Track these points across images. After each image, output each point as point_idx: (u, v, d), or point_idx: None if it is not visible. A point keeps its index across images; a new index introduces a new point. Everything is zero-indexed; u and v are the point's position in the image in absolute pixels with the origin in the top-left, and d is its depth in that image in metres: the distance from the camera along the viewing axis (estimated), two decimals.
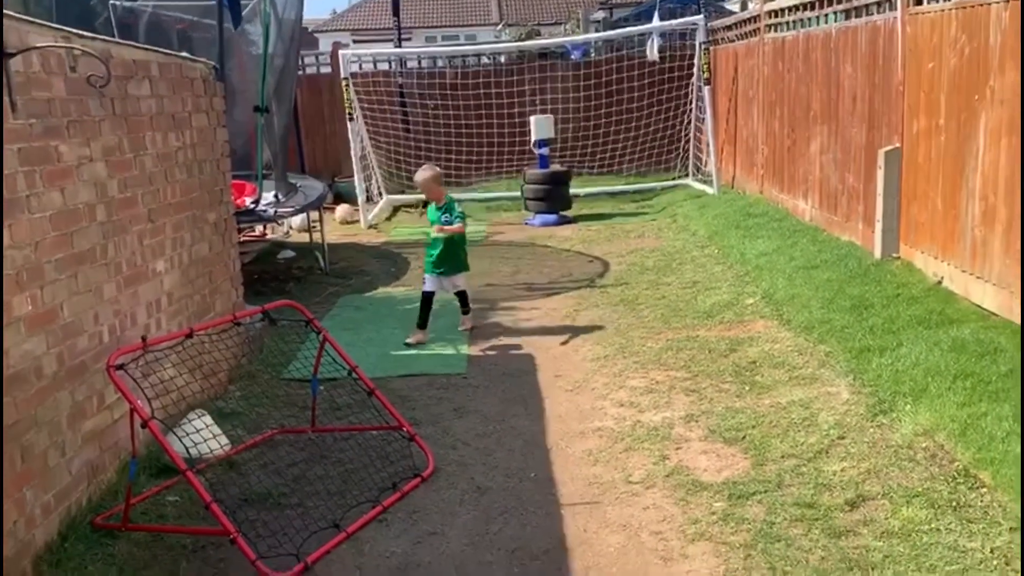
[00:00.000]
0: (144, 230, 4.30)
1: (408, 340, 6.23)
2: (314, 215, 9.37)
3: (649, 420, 4.67)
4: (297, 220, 10.34)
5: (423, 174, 6.35)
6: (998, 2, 5.09)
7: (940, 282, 5.86)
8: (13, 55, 3.21)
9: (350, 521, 3.69)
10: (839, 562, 3.19)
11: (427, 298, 6.31)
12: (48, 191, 3.47)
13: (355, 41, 31.16)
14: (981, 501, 3.47)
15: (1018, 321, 4.95)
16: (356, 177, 11.50)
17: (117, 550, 3.52)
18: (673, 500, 3.79)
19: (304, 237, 9.85)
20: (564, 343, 6.16)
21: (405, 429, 4.39)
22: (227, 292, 5.47)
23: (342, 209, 11.91)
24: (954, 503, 3.48)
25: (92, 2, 9.03)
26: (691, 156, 12.85)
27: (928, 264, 6.08)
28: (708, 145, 11.80)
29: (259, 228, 9.98)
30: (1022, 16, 4.80)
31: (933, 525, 3.35)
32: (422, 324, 6.29)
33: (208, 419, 4.43)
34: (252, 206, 7.51)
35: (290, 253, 9.45)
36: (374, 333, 6.62)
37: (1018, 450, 3.63)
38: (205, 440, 4.15)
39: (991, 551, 3.15)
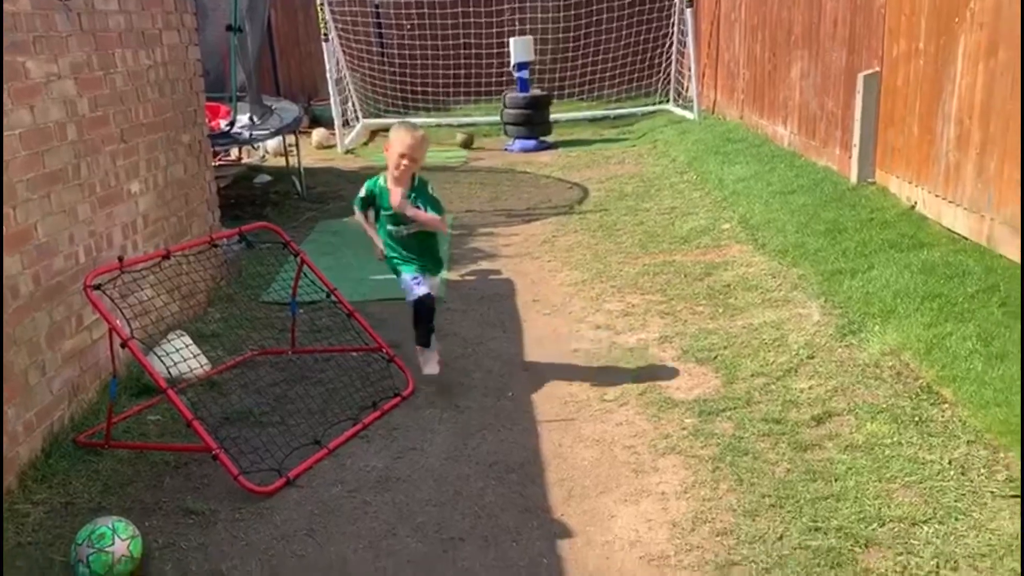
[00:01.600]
0: (117, 150, 4.24)
1: (426, 371, 4.26)
2: (290, 139, 9.25)
3: (625, 341, 4.75)
4: (272, 144, 10.21)
5: (414, 135, 4.06)
6: None
7: (914, 207, 5.92)
8: None
9: (331, 438, 3.77)
10: (803, 473, 3.31)
11: (421, 305, 4.17)
12: (16, 109, 3.41)
13: None
14: (942, 416, 3.60)
15: (986, 243, 5.04)
16: (332, 100, 11.31)
17: (101, 466, 3.58)
18: (645, 416, 3.89)
19: (280, 161, 9.74)
20: (542, 268, 6.21)
21: (385, 351, 4.45)
22: (203, 215, 5.43)
23: (318, 133, 11.75)
24: (916, 418, 3.61)
25: None
26: (673, 81, 12.73)
27: (903, 189, 6.14)
28: (690, 69, 11.68)
29: (234, 152, 9.85)
30: None
31: (895, 439, 3.48)
32: (426, 341, 4.26)
33: (188, 340, 4.46)
34: (227, 129, 7.39)
35: (266, 178, 9.36)
36: (352, 258, 6.62)
37: (980, 367, 3.76)
38: (185, 360, 4.18)
39: (949, 462, 3.28)
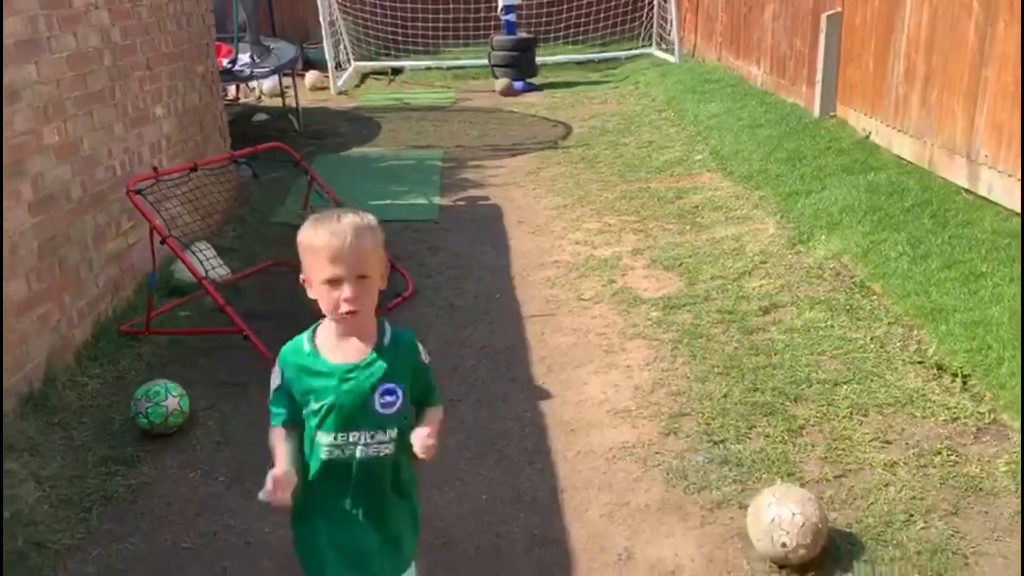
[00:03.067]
0: (144, 76, 4.71)
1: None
2: (286, 80, 9.65)
3: (601, 254, 5.31)
4: (268, 85, 10.59)
5: (350, 230, 1.84)
6: None
7: (868, 136, 6.46)
8: None
9: None
10: (748, 350, 3.90)
11: None
12: (63, 34, 3.87)
13: None
14: (870, 305, 4.19)
15: (927, 166, 5.59)
16: (325, 43, 11.66)
17: (142, 350, 4.13)
18: (617, 311, 4.46)
19: (276, 102, 10.14)
20: (527, 195, 6.73)
21: (387, 258, 4.97)
22: (216, 141, 5.91)
23: (312, 75, 12.11)
24: (848, 307, 4.19)
25: None
26: (655, 25, 13.10)
27: (859, 121, 6.67)
28: (671, 14, 12.07)
29: (231, 92, 10.23)
30: None
31: (828, 323, 4.07)
32: None
33: (212, 250, 4.97)
34: (229, 66, 7.80)
35: (264, 116, 9.76)
36: (350, 187, 7.08)
37: (905, 266, 4.33)
38: (211, 266, 4.70)
39: (871, 339, 3.87)
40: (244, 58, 8.23)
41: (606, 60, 12.85)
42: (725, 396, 3.53)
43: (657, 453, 3.21)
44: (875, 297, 4.24)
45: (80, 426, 3.48)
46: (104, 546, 2.83)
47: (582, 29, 13.45)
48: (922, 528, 2.70)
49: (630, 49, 13.13)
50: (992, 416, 3.24)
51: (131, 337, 4.20)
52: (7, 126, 3.39)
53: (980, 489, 2.86)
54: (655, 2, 12.98)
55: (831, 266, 4.65)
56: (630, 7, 13.31)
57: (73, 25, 3.95)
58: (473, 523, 2.90)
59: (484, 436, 3.40)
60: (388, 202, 6.65)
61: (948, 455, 3.05)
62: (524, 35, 11.57)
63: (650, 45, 13.06)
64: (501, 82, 11.14)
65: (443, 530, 2.86)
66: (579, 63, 12.79)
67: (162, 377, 3.80)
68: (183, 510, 3.01)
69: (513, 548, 2.78)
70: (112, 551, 2.81)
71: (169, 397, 3.40)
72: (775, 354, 3.84)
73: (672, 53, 11.99)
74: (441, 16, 13.26)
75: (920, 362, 3.63)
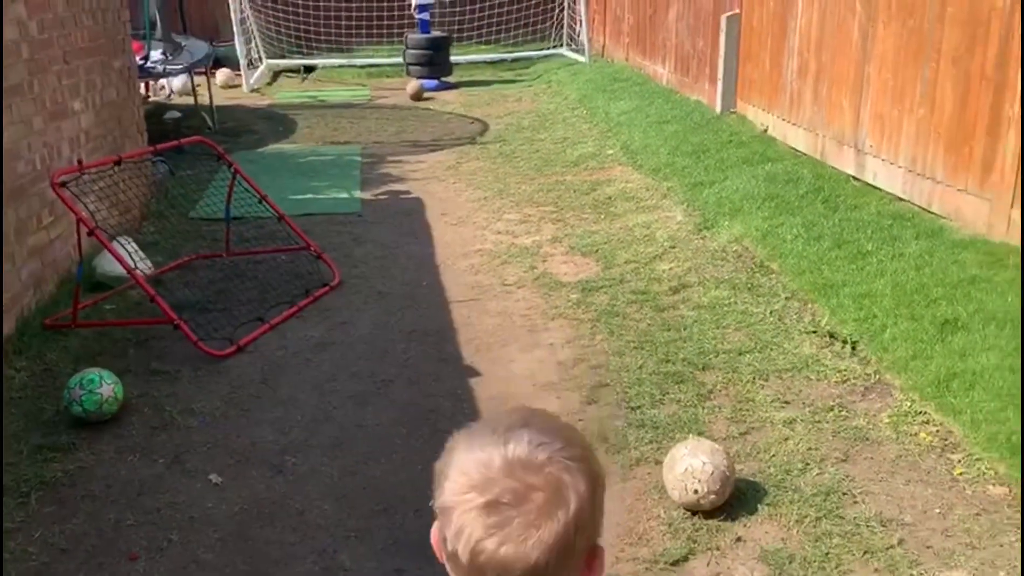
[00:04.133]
0: (61, 70, 4.69)
1: None
2: (197, 79, 9.54)
3: (522, 243, 5.53)
4: (178, 83, 10.44)
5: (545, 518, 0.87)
6: None
7: (766, 130, 6.89)
8: None
9: (272, 317, 4.41)
10: (660, 326, 4.18)
11: None
12: None
13: None
14: (769, 283, 4.54)
15: (819, 156, 6.03)
16: (236, 40, 11.54)
17: (69, 343, 4.13)
18: (539, 295, 4.69)
19: (187, 101, 10.01)
20: (448, 189, 6.91)
21: (312, 249, 5.08)
22: (134, 137, 5.88)
23: (223, 73, 11.96)
24: (749, 285, 4.53)
25: None
26: (566, 26, 13.45)
27: (758, 116, 7.10)
28: (580, 15, 12.43)
29: (140, 90, 10.04)
30: None
31: (732, 300, 4.39)
32: None
33: (133, 245, 4.97)
34: (141, 63, 7.70)
35: (176, 113, 9.63)
36: (270, 182, 7.06)
37: (800, 247, 4.71)
38: (133, 260, 4.71)
39: (770, 313, 4.21)
40: (156, 55, 8.14)
41: (518, 60, 13.12)
42: (640, 367, 3.80)
43: (580, 420, 3.45)
44: (773, 275, 4.60)
45: (11, 417, 3.49)
46: (46, 527, 2.88)
47: (495, 29, 13.69)
48: (817, 474, 3.01)
49: (541, 49, 13.44)
50: (877, 377, 3.59)
51: (56, 331, 4.19)
52: None
53: (866, 439, 3.20)
54: (565, 4, 13.32)
55: (733, 249, 5.00)
56: (541, 8, 13.62)
57: None
58: (410, 490, 3.06)
59: (417, 412, 3.57)
60: (310, 196, 6.72)
61: (839, 412, 3.38)
62: (438, 34, 11.73)
63: (561, 46, 13.40)
64: (412, 85, 11.05)
65: (381, 498, 3.02)
66: (492, 62, 13.03)
67: (93, 367, 3.84)
68: (124, 491, 3.08)
69: None
70: (55, 531, 2.86)
71: (104, 385, 3.45)
72: (684, 329, 4.13)
73: (582, 53, 12.34)
74: (354, 14, 13.28)
75: (814, 332, 3.98)
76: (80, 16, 4.97)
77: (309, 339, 4.24)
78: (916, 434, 3.18)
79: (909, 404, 3.34)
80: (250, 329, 4.27)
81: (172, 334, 4.15)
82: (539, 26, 13.71)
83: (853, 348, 3.79)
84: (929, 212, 4.85)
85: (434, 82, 11.43)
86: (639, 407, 3.49)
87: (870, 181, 5.41)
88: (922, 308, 3.83)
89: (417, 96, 10.82)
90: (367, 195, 6.78)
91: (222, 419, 3.53)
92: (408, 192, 6.88)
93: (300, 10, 13.18)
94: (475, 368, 3.92)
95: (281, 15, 13.04)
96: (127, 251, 4.74)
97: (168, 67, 8.02)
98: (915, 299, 3.92)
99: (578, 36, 12.76)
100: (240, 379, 3.85)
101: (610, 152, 7.49)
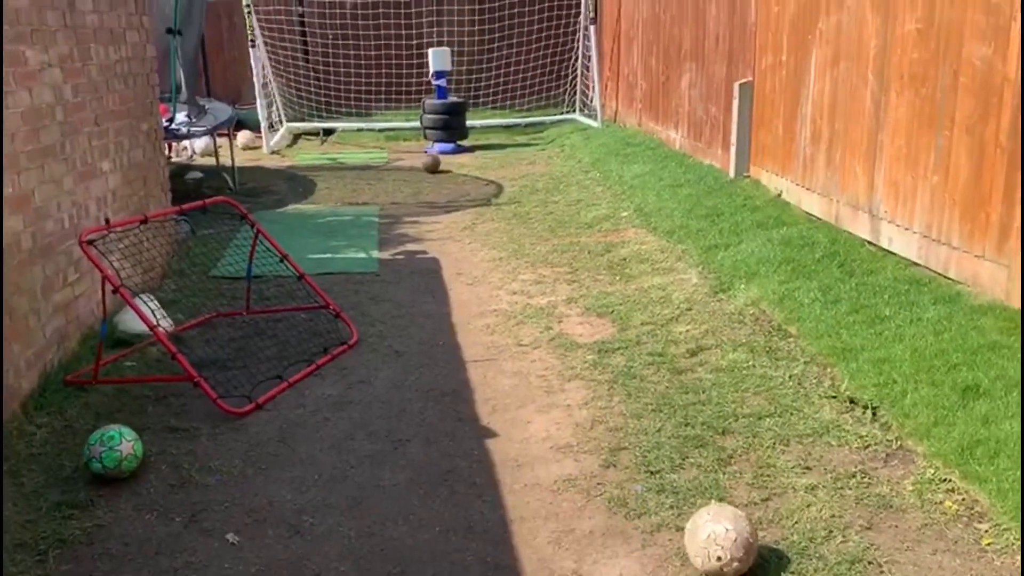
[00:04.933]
0: (92, 132, 4.81)
1: None
2: (219, 140, 9.76)
3: (537, 303, 5.57)
4: (200, 144, 10.68)
5: None
6: None
7: (780, 195, 6.96)
8: None
9: (290, 375, 4.43)
10: (678, 388, 4.18)
11: None
12: (19, 90, 3.98)
13: None
14: (787, 346, 4.54)
15: (834, 221, 6.08)
16: (258, 104, 11.83)
17: (90, 400, 4.16)
18: (555, 355, 4.70)
19: (208, 161, 10.22)
20: (464, 249, 6.98)
21: (331, 307, 5.13)
22: (158, 196, 5.99)
23: (244, 135, 12.23)
24: (768, 348, 4.53)
25: None
26: (579, 92, 13.72)
27: (771, 180, 7.18)
28: (593, 82, 12.69)
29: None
30: None
31: (750, 363, 4.39)
32: None
33: (155, 303, 5.02)
34: (167, 125, 7.89)
35: (198, 174, 9.82)
36: (289, 241, 7.18)
37: (818, 310, 4.71)
38: (156, 318, 4.76)
39: (789, 377, 4.20)
40: (181, 117, 8.34)
41: (532, 124, 13.36)
42: (659, 431, 3.78)
43: (599, 484, 3.42)
44: (791, 339, 4.60)
45: (30, 473, 3.49)
46: None
47: (509, 95, 13.99)
48: (841, 542, 2.97)
49: (555, 114, 13.70)
50: (899, 443, 3.57)
51: (77, 387, 4.22)
52: None
53: (891, 507, 3.16)
54: (578, 70, 13.62)
55: (751, 312, 5.01)
56: (555, 75, 13.93)
57: (29, 82, 4.06)
58: (428, 553, 3.04)
59: (434, 473, 3.56)
60: (328, 256, 6.80)
61: (862, 478, 3.35)
62: (455, 99, 11.99)
63: (574, 111, 13.66)
64: (427, 158, 10.54)
65: (399, 561, 2.99)
66: (507, 127, 13.27)
67: (112, 424, 3.85)
68: (141, 549, 3.06)
69: (467, 575, 2.93)
70: None
71: (123, 441, 3.46)
72: (703, 392, 4.12)
73: (595, 118, 12.57)
74: (374, 80, 13.62)
75: (834, 396, 3.96)
76: (112, 81, 5.12)
77: (327, 397, 4.25)
78: (941, 502, 3.14)
79: (933, 471, 3.31)
80: (269, 387, 4.29)
81: (191, 391, 4.18)
82: (552, 92, 14.00)
83: (874, 413, 3.77)
84: (946, 278, 4.86)
85: (450, 145, 11.64)
86: (659, 471, 3.46)
87: (885, 246, 5.44)
88: (942, 374, 3.81)
89: (433, 169, 10.34)
90: (384, 255, 6.85)
91: (240, 478, 3.52)
92: (424, 252, 6.95)
93: (321, 75, 13.53)
94: (492, 429, 3.91)
95: (302, 79, 13.38)
96: (149, 308, 4.79)
97: (192, 129, 8.21)
98: (935, 365, 3.90)
99: (591, 102, 13.01)
100: (258, 437, 3.85)
101: (624, 214, 7.57)
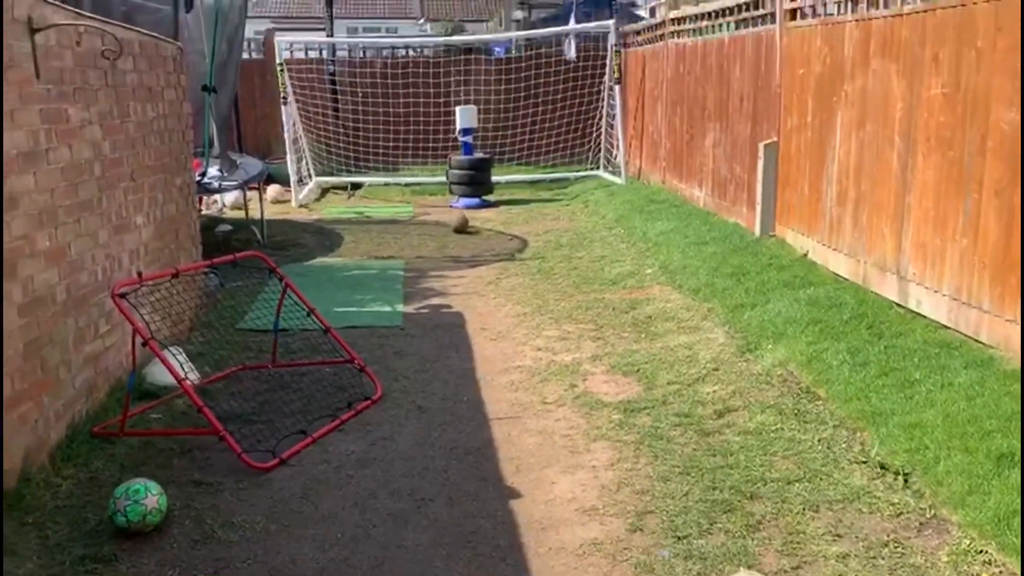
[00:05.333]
0: (128, 187, 4.92)
1: None
2: (249, 194, 9.93)
3: (561, 360, 5.55)
4: (230, 197, 10.87)
5: None
6: (850, 21, 6.18)
7: (806, 255, 6.94)
8: (40, 30, 3.83)
9: (314, 430, 4.43)
10: (706, 451, 4.12)
11: None
12: (60, 146, 4.09)
13: (277, 29, 31.19)
14: (816, 409, 4.48)
15: (861, 282, 6.04)
16: (288, 158, 12.05)
17: (116, 451, 4.17)
18: (580, 414, 4.67)
19: (237, 214, 10.38)
20: (488, 303, 7.00)
21: (356, 362, 5.14)
22: (189, 250, 6.09)
23: (273, 189, 12.44)
24: (796, 411, 4.47)
25: None
26: (603, 149, 13.86)
27: (797, 240, 7.17)
28: (617, 139, 12.83)
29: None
30: (867, 33, 5.89)
31: (779, 426, 4.33)
32: None
33: (183, 355, 5.07)
34: (199, 179, 8.05)
35: (227, 227, 9.97)
36: (316, 294, 7.24)
37: (847, 373, 4.66)
38: (184, 370, 4.79)
39: (818, 440, 4.14)
40: (213, 171, 8.51)
41: (556, 180, 13.49)
42: (686, 494, 3.73)
43: (625, 549, 3.37)
44: (820, 402, 4.54)
45: (55, 526, 3.50)
46: None
47: (534, 151, 14.16)
48: None
49: (579, 170, 13.82)
50: (932, 512, 3.48)
51: (104, 439, 4.24)
52: (5, 230, 3.55)
53: None
54: (602, 128, 13.78)
55: (778, 373, 4.96)
56: (579, 132, 14.10)
57: (69, 138, 4.18)
58: None
59: (457, 534, 3.52)
60: (354, 309, 6.84)
61: (895, 547, 3.27)
62: (481, 155, 12.15)
63: (597, 167, 13.78)
64: (456, 216, 10.25)
65: None
66: (531, 182, 13.40)
67: (137, 476, 3.85)
68: None
69: None
70: None
71: (148, 495, 3.46)
72: (731, 455, 4.07)
73: (618, 175, 12.67)
74: (401, 136, 13.86)
75: (864, 462, 3.89)
76: (148, 137, 5.25)
77: (350, 454, 4.24)
78: (978, 574, 3.05)
79: (968, 542, 3.22)
80: (293, 442, 4.28)
81: (215, 444, 4.19)
82: (577, 148, 14.16)
83: (906, 480, 3.69)
84: (977, 341, 4.80)
85: (475, 200, 11.76)
86: (686, 536, 3.40)
87: (914, 308, 5.39)
88: (976, 441, 3.74)
89: (462, 228, 10.02)
90: (409, 309, 6.88)
91: (263, 534, 3.50)
92: (449, 306, 6.98)
93: (350, 131, 13.79)
94: (516, 489, 3.87)
95: (332, 135, 13.65)
96: (178, 361, 4.83)
97: (224, 183, 8.36)
98: (968, 431, 3.83)
99: (615, 159, 13.13)
100: (281, 493, 3.83)
101: (648, 271, 7.57)
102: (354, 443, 4.36)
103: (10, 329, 3.59)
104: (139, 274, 4.28)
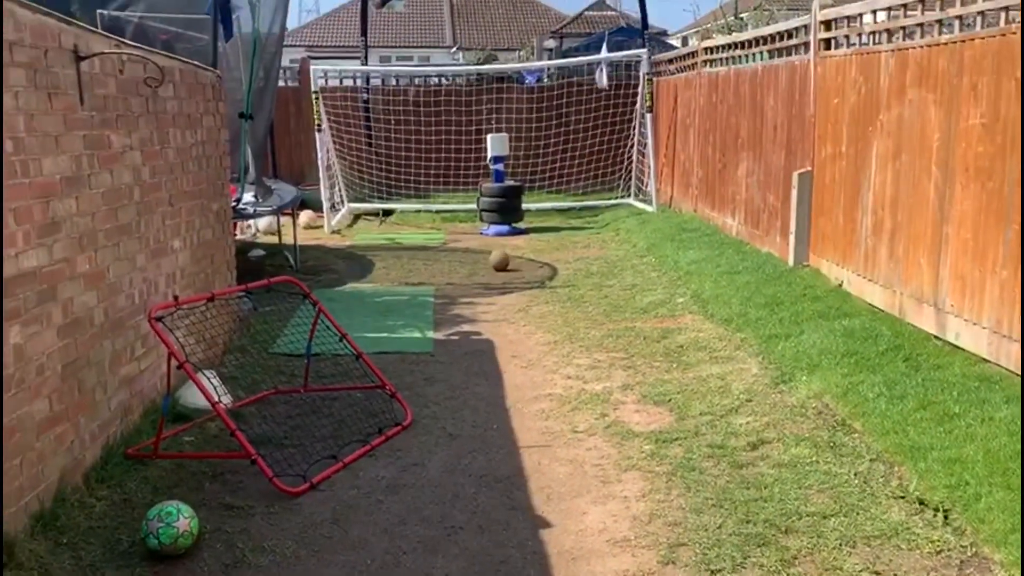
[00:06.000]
0: (166, 212, 5.00)
1: None
2: (282, 219, 10.07)
3: (592, 388, 5.51)
4: (264, 223, 11.01)
5: None
6: (886, 50, 6.14)
7: (841, 285, 6.86)
8: (85, 58, 3.93)
9: (345, 455, 4.43)
10: (739, 484, 4.06)
11: None
12: (102, 172, 4.18)
13: (313, 58, 31.74)
14: (852, 442, 4.40)
15: (897, 313, 5.95)
16: (322, 185, 12.21)
17: (149, 474, 4.20)
18: (611, 444, 4.63)
19: (270, 239, 10.52)
20: (518, 331, 6.99)
21: (387, 388, 5.15)
22: (224, 274, 6.16)
23: (306, 215, 12.58)
24: (831, 444, 4.40)
25: (72, 8, 9.61)
26: (634, 177, 13.87)
27: (832, 270, 7.09)
28: (649, 167, 12.83)
29: None
30: (904, 62, 5.85)
31: (814, 459, 4.25)
32: None
33: (217, 378, 5.11)
34: (234, 204, 8.17)
35: (260, 252, 10.10)
36: (347, 320, 7.26)
37: (883, 406, 4.57)
38: (217, 394, 4.83)
39: (855, 474, 4.06)
40: (248, 197, 8.63)
41: (587, 208, 13.50)
42: (720, 527, 3.66)
43: None
44: (856, 435, 4.46)
45: (88, 547, 3.52)
46: None
47: (565, 179, 14.21)
48: None
49: (610, 199, 13.83)
50: (974, 550, 3.39)
51: (137, 460, 4.27)
52: (47, 254, 3.63)
53: None
54: (634, 156, 13.79)
55: (813, 405, 4.89)
56: (610, 160, 14.13)
57: (111, 164, 4.26)
58: None
59: (487, 563, 3.49)
60: (384, 335, 6.87)
61: None
62: (511, 183, 12.21)
63: (628, 195, 13.78)
64: (496, 255, 9.51)
65: None
66: (562, 210, 13.42)
67: (169, 499, 3.88)
68: None
69: None
70: None
71: (181, 518, 3.47)
72: (765, 487, 4.00)
73: (649, 203, 12.65)
74: (432, 163, 13.99)
75: (902, 497, 3.81)
76: (187, 163, 5.35)
77: (380, 480, 4.23)
78: None
79: None
80: (324, 466, 4.29)
81: (247, 468, 4.20)
82: (608, 177, 14.18)
83: (946, 517, 3.60)
84: (1018, 376, 4.69)
85: (506, 227, 11.80)
86: (720, 570, 3.34)
87: (952, 340, 5.29)
88: (1018, 478, 3.64)
89: (502, 267, 9.37)
90: (439, 335, 6.89)
91: (293, 559, 3.49)
92: (479, 333, 6.98)
93: (383, 158, 13.95)
94: (546, 519, 3.84)
95: (364, 162, 13.81)
96: (212, 384, 4.87)
97: (258, 209, 8.48)
98: (1010, 467, 3.74)
99: (646, 187, 13.13)
100: (312, 518, 3.83)
101: (680, 300, 7.52)
102: (384, 469, 4.36)
103: (50, 351, 3.65)
104: (175, 298, 4.34)
